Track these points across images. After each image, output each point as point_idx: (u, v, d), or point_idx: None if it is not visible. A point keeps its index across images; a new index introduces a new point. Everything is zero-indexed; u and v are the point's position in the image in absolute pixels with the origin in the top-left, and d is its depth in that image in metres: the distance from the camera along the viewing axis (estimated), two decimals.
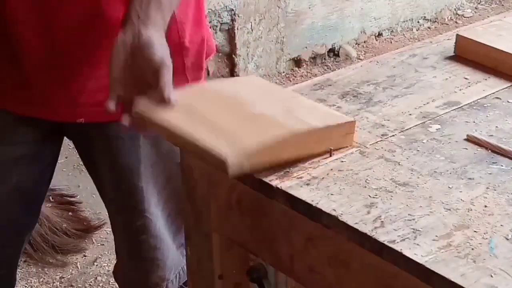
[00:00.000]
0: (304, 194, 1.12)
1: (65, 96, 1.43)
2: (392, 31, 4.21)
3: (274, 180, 1.15)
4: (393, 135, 1.27)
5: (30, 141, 1.51)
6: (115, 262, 1.77)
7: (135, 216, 1.57)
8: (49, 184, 1.62)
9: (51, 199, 2.59)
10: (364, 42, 4.09)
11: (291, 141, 1.16)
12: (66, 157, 2.75)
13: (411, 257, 1.00)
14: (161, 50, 1.21)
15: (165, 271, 1.65)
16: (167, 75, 1.21)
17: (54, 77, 1.41)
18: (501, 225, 1.06)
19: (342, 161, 1.20)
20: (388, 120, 1.32)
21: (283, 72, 3.72)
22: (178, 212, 1.60)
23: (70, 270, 2.51)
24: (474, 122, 1.32)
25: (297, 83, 1.46)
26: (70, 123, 1.48)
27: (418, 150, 1.23)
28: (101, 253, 2.55)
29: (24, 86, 1.43)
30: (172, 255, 1.65)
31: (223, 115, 1.20)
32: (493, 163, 1.20)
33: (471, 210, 1.09)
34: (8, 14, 1.37)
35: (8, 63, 1.43)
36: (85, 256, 2.56)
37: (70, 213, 2.62)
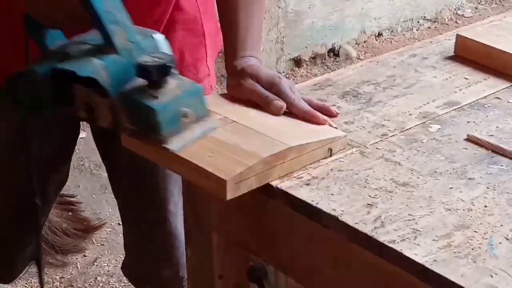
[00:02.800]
0: (304, 194, 1.12)
1: None
2: (392, 31, 4.21)
3: (274, 180, 1.15)
4: (393, 135, 1.27)
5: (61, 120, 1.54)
6: (123, 256, 1.77)
7: (151, 210, 1.57)
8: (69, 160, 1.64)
9: None
10: (364, 42, 4.09)
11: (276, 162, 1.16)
12: None
13: (411, 257, 1.00)
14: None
15: (178, 268, 1.65)
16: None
17: None
18: (501, 225, 1.06)
19: (342, 161, 1.20)
20: (388, 120, 1.32)
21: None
22: None
23: (70, 270, 2.51)
24: (474, 122, 1.32)
25: (297, 83, 1.46)
26: None
27: (418, 150, 1.23)
28: (101, 253, 2.55)
29: None
30: None
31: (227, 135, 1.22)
32: (493, 163, 1.20)
33: (471, 210, 1.09)
34: None
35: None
36: (85, 256, 2.56)
37: (70, 213, 2.62)
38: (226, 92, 1.35)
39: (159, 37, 1.17)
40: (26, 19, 1.21)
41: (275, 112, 1.27)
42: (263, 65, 1.35)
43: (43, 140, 1.51)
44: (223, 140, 1.18)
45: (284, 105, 1.27)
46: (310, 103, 1.30)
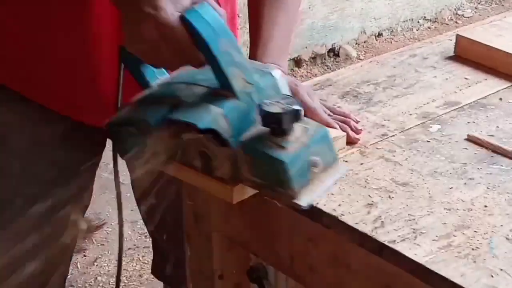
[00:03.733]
0: None
1: None
2: (392, 31, 4.21)
3: None
4: (393, 135, 1.27)
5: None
6: (152, 260, 1.75)
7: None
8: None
9: None
10: (364, 42, 4.09)
11: None
12: None
13: (411, 257, 1.00)
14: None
15: None
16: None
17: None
18: (501, 225, 1.06)
19: (342, 161, 1.20)
20: (388, 120, 1.32)
21: None
22: None
23: (70, 270, 2.50)
24: (474, 122, 1.32)
25: None
26: None
27: (418, 150, 1.23)
28: (101, 253, 2.55)
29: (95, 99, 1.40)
30: None
31: None
32: (493, 163, 1.20)
33: (471, 210, 1.09)
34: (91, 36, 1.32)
35: (89, 81, 1.37)
36: (85, 256, 2.56)
37: None
38: None
39: (276, 74, 1.07)
40: (122, 50, 1.10)
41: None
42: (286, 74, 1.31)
43: (68, 150, 1.47)
44: None
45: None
46: (333, 111, 1.29)
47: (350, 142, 1.24)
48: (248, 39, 1.42)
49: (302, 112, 0.98)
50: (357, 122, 1.29)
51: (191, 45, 1.03)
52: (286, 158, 0.96)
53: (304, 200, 0.98)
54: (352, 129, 1.26)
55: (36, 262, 1.51)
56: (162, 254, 1.72)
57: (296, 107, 0.97)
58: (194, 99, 1.03)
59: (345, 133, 1.24)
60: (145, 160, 1.08)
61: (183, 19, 1.02)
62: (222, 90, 1.02)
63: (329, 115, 1.28)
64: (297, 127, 0.98)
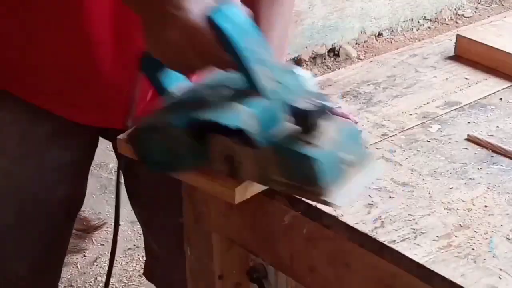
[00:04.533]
0: None
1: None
2: (392, 31, 4.22)
3: None
4: (393, 135, 1.27)
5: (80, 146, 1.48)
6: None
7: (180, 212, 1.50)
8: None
9: None
10: (364, 42, 4.09)
11: None
12: None
13: (411, 257, 1.00)
14: None
15: None
16: None
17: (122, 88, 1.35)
18: (501, 225, 1.06)
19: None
20: (388, 120, 1.32)
21: None
22: None
23: (70, 270, 2.51)
24: (474, 122, 1.32)
25: None
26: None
27: (418, 150, 1.23)
28: (101, 253, 2.55)
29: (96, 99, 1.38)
30: None
31: None
32: (493, 163, 1.20)
33: (471, 210, 1.09)
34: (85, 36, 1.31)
35: (86, 80, 1.36)
36: (85, 256, 2.56)
37: None
38: None
39: (303, 73, 1.05)
40: (142, 57, 1.08)
41: None
42: None
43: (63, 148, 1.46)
44: None
45: None
46: (333, 112, 1.28)
47: None
48: None
49: (333, 109, 0.97)
50: (356, 122, 1.29)
51: (216, 45, 1.00)
52: (316, 155, 0.94)
53: (336, 199, 0.97)
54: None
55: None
56: (153, 256, 1.71)
57: (327, 103, 0.96)
58: (221, 101, 1.01)
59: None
60: (170, 166, 1.06)
61: (208, 19, 1.00)
62: (249, 91, 1.00)
63: None
64: (328, 124, 0.97)
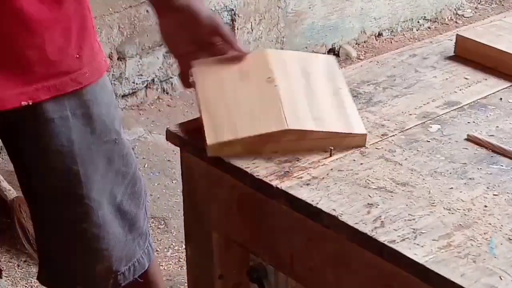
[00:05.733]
0: (304, 194, 1.12)
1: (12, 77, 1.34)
2: (392, 31, 4.21)
3: (274, 180, 1.15)
4: (393, 135, 1.27)
5: None
6: (38, 265, 1.61)
7: (73, 203, 1.46)
8: None
9: None
10: (364, 42, 4.09)
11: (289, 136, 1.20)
12: None
13: (411, 257, 1.00)
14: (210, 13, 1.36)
15: (111, 262, 1.53)
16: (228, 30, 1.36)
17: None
18: (501, 225, 1.06)
19: (342, 161, 1.20)
20: (388, 120, 1.32)
21: None
22: (134, 198, 1.52)
23: None
24: (474, 122, 1.32)
25: None
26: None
27: (418, 150, 1.23)
28: None
29: None
30: (123, 245, 1.53)
31: (247, 92, 1.27)
32: (493, 163, 1.20)
33: (471, 210, 1.09)
34: None
35: None
36: None
37: None
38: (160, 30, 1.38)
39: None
40: None
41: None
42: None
43: None
44: (244, 99, 1.25)
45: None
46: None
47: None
48: (248, 38, 1.44)
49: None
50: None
51: None
52: None
53: None
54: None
55: None
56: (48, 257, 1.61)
57: None
58: None
59: (365, 133, 1.24)
60: None
61: None
62: None
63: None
64: None
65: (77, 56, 1.39)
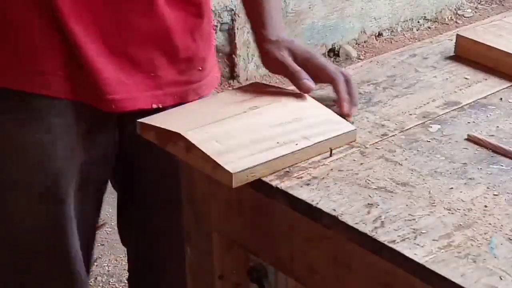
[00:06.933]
0: (304, 194, 1.12)
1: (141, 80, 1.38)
2: (392, 31, 4.22)
3: (274, 180, 1.15)
4: (393, 135, 1.27)
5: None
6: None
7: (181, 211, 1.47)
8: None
9: None
10: (364, 42, 4.09)
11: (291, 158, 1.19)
12: None
13: (411, 257, 1.00)
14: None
15: None
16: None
17: (122, 62, 1.36)
18: (501, 225, 1.06)
19: (342, 161, 1.20)
20: (388, 120, 1.32)
21: None
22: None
23: None
24: (474, 122, 1.32)
25: None
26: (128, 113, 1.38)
27: (418, 150, 1.23)
28: (101, 253, 2.54)
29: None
30: None
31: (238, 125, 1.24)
32: (493, 163, 1.20)
33: (471, 210, 1.09)
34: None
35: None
36: None
37: None
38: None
39: None
40: None
41: (304, 91, 1.33)
42: None
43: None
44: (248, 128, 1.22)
45: (313, 86, 1.33)
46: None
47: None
48: (248, 39, 1.45)
49: None
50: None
51: None
52: None
53: None
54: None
55: None
56: (142, 260, 1.67)
57: None
58: None
59: (355, 128, 1.26)
60: None
61: None
62: None
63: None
64: None
65: (200, 69, 1.45)
